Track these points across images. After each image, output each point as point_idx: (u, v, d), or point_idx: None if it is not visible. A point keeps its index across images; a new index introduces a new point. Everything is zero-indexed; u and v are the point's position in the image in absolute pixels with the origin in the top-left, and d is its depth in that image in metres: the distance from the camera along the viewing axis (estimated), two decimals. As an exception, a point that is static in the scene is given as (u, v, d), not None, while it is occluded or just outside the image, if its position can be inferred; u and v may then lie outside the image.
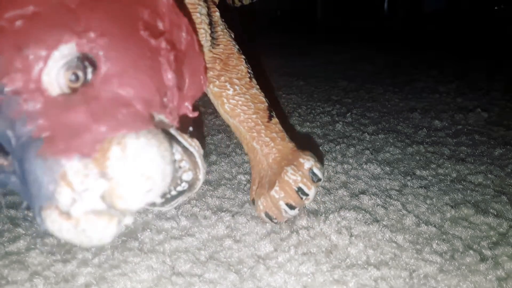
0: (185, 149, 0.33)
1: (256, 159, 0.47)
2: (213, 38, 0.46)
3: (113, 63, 0.29)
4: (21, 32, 0.27)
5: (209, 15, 0.46)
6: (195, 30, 0.42)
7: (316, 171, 0.44)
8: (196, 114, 0.36)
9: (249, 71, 0.48)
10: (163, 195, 0.34)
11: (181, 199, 0.34)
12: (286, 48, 1.61)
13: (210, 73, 0.47)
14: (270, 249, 0.43)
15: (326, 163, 0.62)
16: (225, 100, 0.47)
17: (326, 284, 0.38)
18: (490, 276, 0.39)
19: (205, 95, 0.49)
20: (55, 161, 0.26)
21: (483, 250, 0.43)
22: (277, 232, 0.46)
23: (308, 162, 0.44)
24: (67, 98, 0.28)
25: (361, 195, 0.53)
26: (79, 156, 0.26)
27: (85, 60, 0.28)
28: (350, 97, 0.97)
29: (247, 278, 0.39)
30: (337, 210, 0.50)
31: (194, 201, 0.52)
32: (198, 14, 0.44)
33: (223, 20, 0.48)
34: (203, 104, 0.87)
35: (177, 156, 0.33)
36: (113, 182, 0.26)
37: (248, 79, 0.48)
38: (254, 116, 0.47)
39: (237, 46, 0.48)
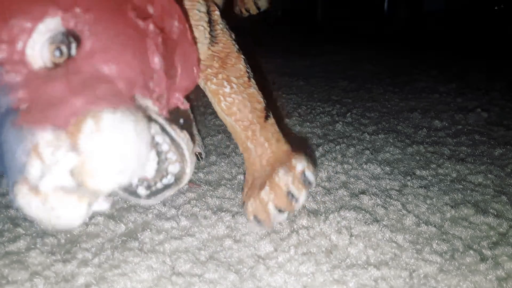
0: (172, 140, 0.32)
1: (250, 159, 0.47)
2: (212, 36, 0.46)
3: (97, 39, 0.29)
4: (6, 3, 0.27)
5: (208, 13, 0.45)
6: (189, 22, 0.42)
7: (308, 174, 0.43)
8: (187, 105, 0.36)
9: (247, 70, 0.48)
10: (148, 187, 0.33)
11: (167, 193, 0.33)
12: (286, 48, 1.61)
13: (208, 71, 0.46)
14: (270, 249, 0.43)
15: (326, 163, 0.62)
16: (221, 98, 0.47)
17: (326, 284, 0.38)
18: (490, 276, 0.39)
19: (204, 95, 0.49)
20: (29, 131, 0.26)
21: (483, 250, 0.43)
22: (277, 232, 0.46)
23: (300, 164, 0.43)
24: (49, 72, 0.28)
25: (361, 195, 0.53)
26: (52, 127, 0.26)
27: (70, 35, 0.28)
28: (350, 97, 0.97)
29: (247, 278, 0.39)
30: (337, 210, 0.50)
31: (194, 201, 0.52)
32: (196, 11, 0.44)
33: (223, 19, 0.48)
34: (203, 104, 0.87)
35: (164, 147, 0.31)
36: (84, 157, 0.25)
37: (247, 78, 0.48)
38: (250, 115, 0.46)
39: (236, 46, 0.48)
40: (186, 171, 0.32)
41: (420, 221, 0.47)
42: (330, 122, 0.80)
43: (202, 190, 0.55)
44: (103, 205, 0.28)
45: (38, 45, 0.28)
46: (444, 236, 0.45)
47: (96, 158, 0.26)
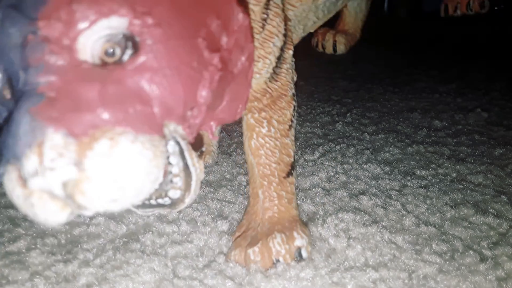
0: (186, 167, 0.30)
1: (254, 207, 0.45)
2: (274, 72, 0.44)
3: (154, 56, 0.27)
4: None
5: (282, 49, 0.44)
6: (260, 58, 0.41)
7: (303, 252, 0.41)
8: (216, 138, 0.34)
9: (292, 119, 0.46)
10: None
11: (157, 211, 0.31)
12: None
13: (254, 104, 0.44)
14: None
15: (326, 163, 0.62)
16: (254, 135, 0.44)
17: (324, 287, 0.38)
18: (490, 277, 0.39)
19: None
20: (42, 126, 0.24)
21: (483, 250, 0.43)
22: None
23: (300, 241, 0.41)
24: (92, 69, 0.26)
25: (361, 196, 0.53)
26: (65, 132, 0.24)
27: (130, 41, 0.27)
28: (350, 97, 0.97)
29: (245, 285, 0.39)
30: (336, 212, 0.50)
31: (195, 204, 0.52)
32: (271, 44, 0.42)
33: (293, 60, 0.46)
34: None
35: (174, 170, 0.30)
36: (83, 175, 0.24)
37: (288, 127, 0.45)
38: (274, 165, 0.44)
39: (293, 90, 0.46)
40: (184, 201, 0.31)
41: (420, 221, 0.48)
42: (330, 122, 0.80)
43: (203, 192, 0.55)
44: (87, 213, 0.27)
45: (95, 37, 0.26)
46: (443, 237, 0.45)
47: (95, 182, 0.24)
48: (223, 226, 0.48)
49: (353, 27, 0.90)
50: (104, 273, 0.41)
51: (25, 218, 0.49)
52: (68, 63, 0.26)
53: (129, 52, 0.27)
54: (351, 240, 0.44)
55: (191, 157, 0.31)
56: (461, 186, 0.56)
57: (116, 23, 0.26)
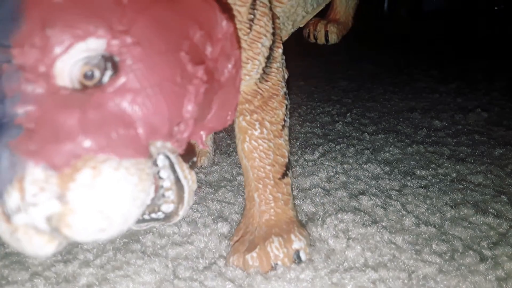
0: (177, 180, 0.30)
1: (250, 211, 0.44)
2: (264, 72, 0.43)
3: (135, 76, 0.26)
4: (55, 9, 0.24)
5: (271, 48, 0.43)
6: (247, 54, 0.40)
7: (302, 255, 0.41)
8: (207, 147, 0.34)
9: (285, 118, 0.45)
10: None
11: (150, 225, 0.31)
12: (286, 48, 1.61)
13: (245, 106, 0.43)
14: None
15: (326, 163, 0.62)
16: (247, 138, 0.43)
17: (324, 287, 0.38)
18: (490, 277, 0.39)
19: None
20: (21, 161, 0.23)
21: (483, 250, 0.43)
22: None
23: (298, 243, 0.41)
24: (70, 95, 0.25)
25: (361, 196, 0.53)
26: (46, 165, 0.23)
27: (109, 62, 0.26)
28: (350, 97, 0.97)
29: (245, 287, 0.39)
30: (335, 212, 0.49)
31: (196, 205, 0.52)
32: (260, 45, 0.41)
33: (283, 58, 0.45)
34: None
35: (166, 184, 0.29)
36: (67, 208, 0.23)
37: (280, 127, 0.44)
38: (268, 167, 0.43)
39: (284, 89, 0.45)
40: (178, 213, 0.30)
41: (420, 221, 0.48)
42: (330, 122, 0.80)
43: (203, 193, 0.55)
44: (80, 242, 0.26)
45: (72, 61, 0.25)
46: (443, 237, 0.45)
47: (80, 214, 0.23)
48: (223, 228, 0.48)
49: (344, 15, 0.90)
50: (105, 273, 0.41)
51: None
52: (45, 90, 0.25)
53: (109, 73, 0.26)
54: (350, 241, 0.44)
55: (182, 169, 0.30)
56: (461, 186, 0.56)
57: (93, 45, 0.25)
